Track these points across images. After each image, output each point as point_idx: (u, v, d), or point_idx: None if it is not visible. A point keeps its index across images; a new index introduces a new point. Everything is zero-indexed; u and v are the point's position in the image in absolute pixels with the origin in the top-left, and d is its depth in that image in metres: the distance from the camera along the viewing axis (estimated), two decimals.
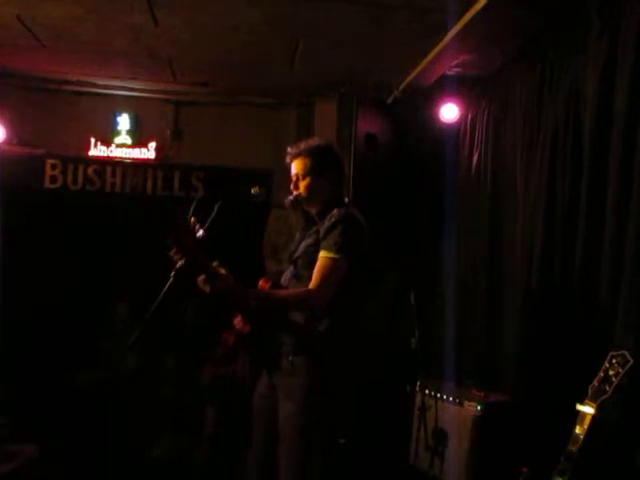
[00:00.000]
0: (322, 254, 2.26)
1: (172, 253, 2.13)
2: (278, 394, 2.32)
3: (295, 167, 2.47)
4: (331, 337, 2.28)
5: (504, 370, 3.57)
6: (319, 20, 3.42)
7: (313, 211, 2.48)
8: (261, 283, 2.39)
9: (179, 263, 2.13)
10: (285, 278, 2.46)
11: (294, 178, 2.47)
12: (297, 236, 2.55)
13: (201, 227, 2.20)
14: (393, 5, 3.18)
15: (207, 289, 2.21)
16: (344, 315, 2.32)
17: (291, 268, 2.43)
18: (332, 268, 2.23)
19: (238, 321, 2.38)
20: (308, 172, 2.43)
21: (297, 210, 2.55)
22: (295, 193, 2.46)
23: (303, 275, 2.33)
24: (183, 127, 5.06)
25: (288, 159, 2.49)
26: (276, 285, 2.41)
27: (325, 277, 2.23)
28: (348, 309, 2.33)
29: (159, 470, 3.84)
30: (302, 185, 2.44)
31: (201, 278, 2.21)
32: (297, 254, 2.41)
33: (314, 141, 2.50)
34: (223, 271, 2.23)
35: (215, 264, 2.23)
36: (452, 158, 4.44)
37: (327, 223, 2.31)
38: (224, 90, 4.89)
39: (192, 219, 2.19)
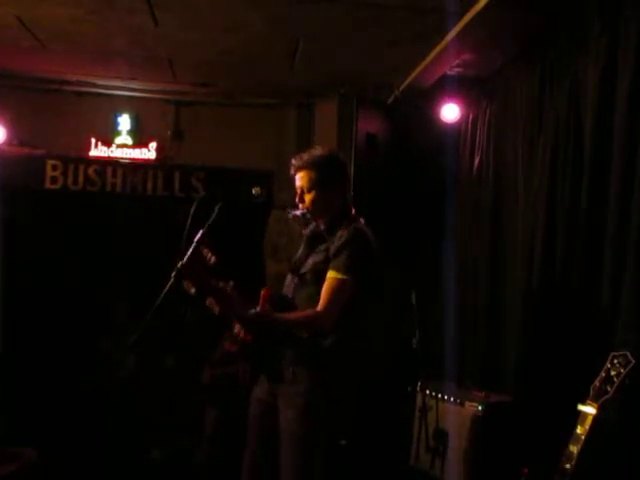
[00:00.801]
0: (331, 274, 2.25)
1: (185, 284, 2.16)
2: (278, 401, 2.32)
3: (300, 180, 2.42)
4: (335, 352, 2.27)
5: (505, 370, 3.57)
6: (319, 20, 3.42)
7: (321, 226, 2.44)
8: (263, 292, 2.37)
9: (191, 291, 2.17)
10: (289, 289, 2.43)
11: (299, 191, 2.43)
12: (302, 248, 2.51)
13: (212, 254, 2.23)
14: (393, 5, 3.18)
15: (216, 311, 2.24)
16: (350, 332, 2.31)
17: (296, 280, 2.40)
18: (340, 289, 2.23)
19: (240, 331, 2.37)
20: (313, 185, 2.38)
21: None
22: (302, 208, 2.42)
23: (311, 291, 2.31)
24: (183, 127, 5.06)
25: (292, 171, 2.45)
26: (279, 297, 2.39)
27: (333, 298, 2.22)
28: (354, 326, 2.33)
29: (159, 470, 3.84)
30: (308, 199, 2.39)
31: (210, 300, 2.23)
32: (305, 269, 2.38)
33: (318, 151, 2.43)
34: (230, 292, 2.23)
35: (222, 284, 2.24)
36: (453, 158, 4.44)
37: (337, 242, 2.28)
38: (224, 90, 4.89)
39: (204, 249, 2.21)
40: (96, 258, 4.77)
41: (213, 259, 2.22)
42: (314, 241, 2.45)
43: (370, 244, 2.34)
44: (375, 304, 2.41)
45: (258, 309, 2.23)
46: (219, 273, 2.24)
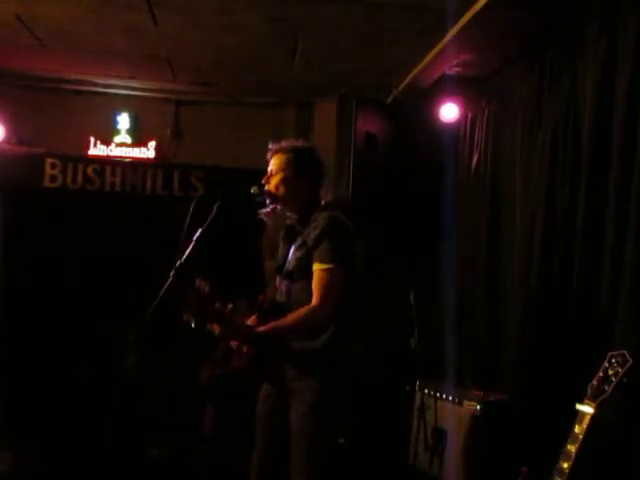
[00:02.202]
0: (317, 266, 2.25)
1: (185, 317, 2.20)
2: (287, 398, 2.32)
3: (273, 163, 2.43)
4: (335, 344, 2.27)
5: (503, 369, 3.58)
6: (319, 20, 3.42)
7: (293, 217, 2.44)
8: (260, 300, 2.38)
9: (192, 324, 2.20)
10: (281, 293, 2.42)
11: (268, 173, 2.43)
12: (280, 247, 2.51)
13: (206, 283, 2.25)
14: (393, 5, 3.18)
15: (216, 333, 2.28)
16: (345, 321, 2.31)
17: (287, 282, 2.38)
18: (330, 279, 2.23)
19: (243, 345, 2.36)
20: (285, 168, 2.38)
21: (272, 216, 2.51)
22: (265, 188, 2.39)
23: (302, 285, 2.30)
24: (183, 126, 5.06)
25: (268, 155, 2.46)
26: (274, 304, 2.39)
27: (326, 289, 2.22)
28: (348, 314, 2.33)
29: (159, 469, 3.84)
30: (275, 180, 2.38)
31: (213, 326, 2.26)
32: (289, 268, 2.37)
33: (297, 142, 2.47)
34: (229, 313, 2.26)
35: (219, 307, 2.25)
36: (452, 158, 4.44)
37: (314, 232, 2.28)
38: (224, 89, 4.89)
39: (198, 279, 2.24)
40: (95, 257, 4.77)
41: (207, 289, 2.23)
42: (289, 236, 2.45)
43: (347, 228, 2.34)
44: (365, 289, 2.42)
45: (259, 329, 2.26)
46: (217, 294, 2.26)
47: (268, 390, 2.43)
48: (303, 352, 2.28)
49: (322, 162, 2.50)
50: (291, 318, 2.28)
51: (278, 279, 2.46)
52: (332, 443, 2.31)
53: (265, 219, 2.47)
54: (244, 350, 2.33)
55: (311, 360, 2.27)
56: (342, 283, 2.25)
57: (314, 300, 2.23)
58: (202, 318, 2.23)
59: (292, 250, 2.39)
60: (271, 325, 2.28)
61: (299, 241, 2.36)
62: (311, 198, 2.42)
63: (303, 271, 2.30)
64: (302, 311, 2.27)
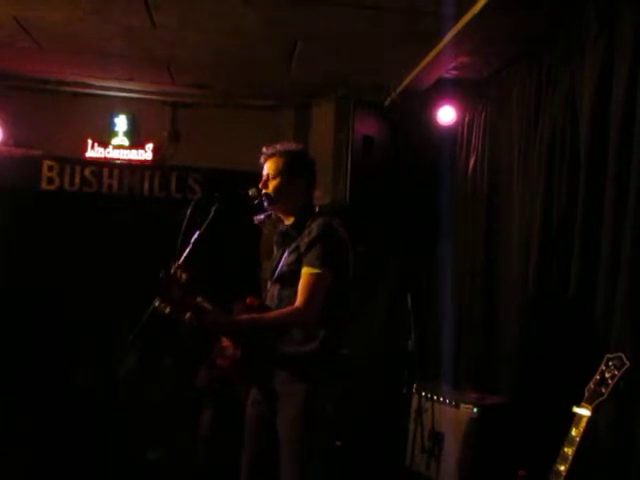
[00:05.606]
0: (305, 270, 2.25)
1: (158, 305, 2.15)
2: (276, 402, 2.32)
3: (267, 167, 2.45)
4: (325, 350, 2.28)
5: (501, 372, 3.58)
6: (317, 22, 3.43)
7: (287, 222, 2.45)
8: (248, 301, 2.37)
9: (166, 310, 2.15)
10: (271, 297, 2.42)
11: (264, 178, 2.45)
12: (275, 252, 2.52)
13: (183, 271, 2.21)
14: (391, 8, 3.19)
15: (195, 324, 2.22)
16: (335, 326, 2.32)
17: (277, 287, 2.39)
18: (316, 283, 2.23)
19: (228, 346, 2.36)
20: (280, 172, 2.40)
21: (268, 223, 2.52)
22: (263, 192, 2.41)
23: (290, 293, 2.30)
24: (180, 128, 5.06)
25: (262, 159, 2.48)
26: (262, 307, 2.38)
27: (310, 293, 2.22)
28: (338, 320, 2.34)
29: (156, 472, 3.83)
30: (272, 185, 2.41)
31: (188, 315, 2.21)
32: (280, 272, 2.38)
33: (290, 144, 2.50)
34: (208, 306, 2.23)
35: (199, 299, 2.24)
36: (449, 160, 4.45)
37: (307, 239, 2.29)
38: (221, 92, 4.89)
39: (174, 269, 2.20)
40: (92, 259, 4.76)
41: (184, 276, 2.20)
42: (283, 241, 2.45)
43: (341, 237, 2.36)
44: (346, 303, 2.41)
45: (237, 317, 2.25)
46: (195, 288, 2.24)
47: (257, 394, 2.43)
48: (293, 357, 2.28)
49: (315, 164, 2.53)
50: (271, 315, 2.30)
51: (269, 283, 2.47)
52: (321, 447, 2.30)
53: (261, 225, 2.48)
54: (230, 352, 2.33)
55: (301, 365, 2.27)
56: (328, 289, 2.25)
57: (298, 302, 2.23)
58: (180, 307, 2.19)
59: (285, 255, 2.40)
60: (250, 316, 2.29)
61: (292, 246, 2.36)
62: (306, 200, 2.44)
63: (294, 276, 2.29)
64: (284, 310, 2.28)
